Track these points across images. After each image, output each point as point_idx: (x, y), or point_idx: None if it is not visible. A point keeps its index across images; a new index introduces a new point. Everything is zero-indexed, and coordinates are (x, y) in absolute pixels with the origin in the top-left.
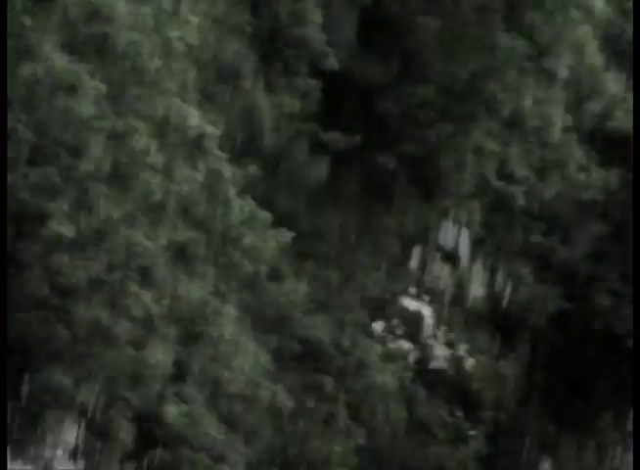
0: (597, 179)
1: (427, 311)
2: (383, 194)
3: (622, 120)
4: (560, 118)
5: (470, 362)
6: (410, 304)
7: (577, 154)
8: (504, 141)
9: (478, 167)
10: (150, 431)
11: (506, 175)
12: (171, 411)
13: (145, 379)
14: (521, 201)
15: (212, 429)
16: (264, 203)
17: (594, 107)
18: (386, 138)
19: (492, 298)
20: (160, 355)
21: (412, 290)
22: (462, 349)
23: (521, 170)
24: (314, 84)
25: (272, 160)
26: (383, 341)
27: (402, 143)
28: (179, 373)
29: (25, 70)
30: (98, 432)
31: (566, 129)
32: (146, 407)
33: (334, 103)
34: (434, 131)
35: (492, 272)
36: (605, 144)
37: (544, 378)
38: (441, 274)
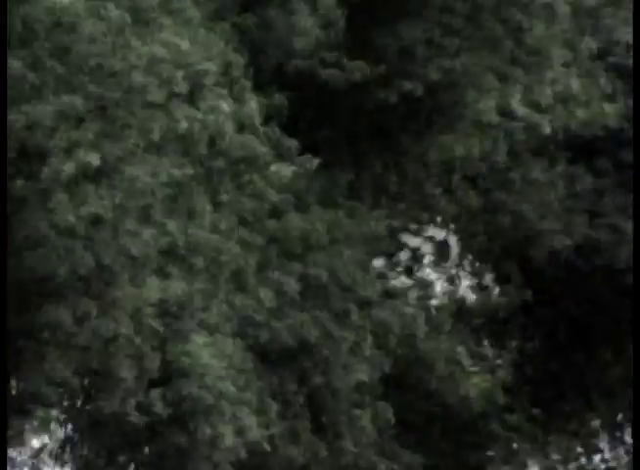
0: (596, 115)
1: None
2: (382, 131)
3: (621, 56)
4: (560, 55)
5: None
6: (412, 240)
7: (577, 90)
8: (504, 78)
9: (477, 104)
10: (151, 369)
11: (506, 112)
12: (173, 349)
13: (145, 317)
14: (520, 137)
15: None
16: (267, 139)
17: (593, 43)
18: (385, 75)
19: (493, 233)
20: (161, 293)
21: (412, 226)
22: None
23: (520, 107)
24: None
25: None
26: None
27: (401, 79)
28: (180, 311)
29: (25, 8)
30: (98, 370)
31: (565, 65)
32: (146, 345)
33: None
34: (434, 67)
35: (493, 211)
36: (605, 79)
37: (545, 315)
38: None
